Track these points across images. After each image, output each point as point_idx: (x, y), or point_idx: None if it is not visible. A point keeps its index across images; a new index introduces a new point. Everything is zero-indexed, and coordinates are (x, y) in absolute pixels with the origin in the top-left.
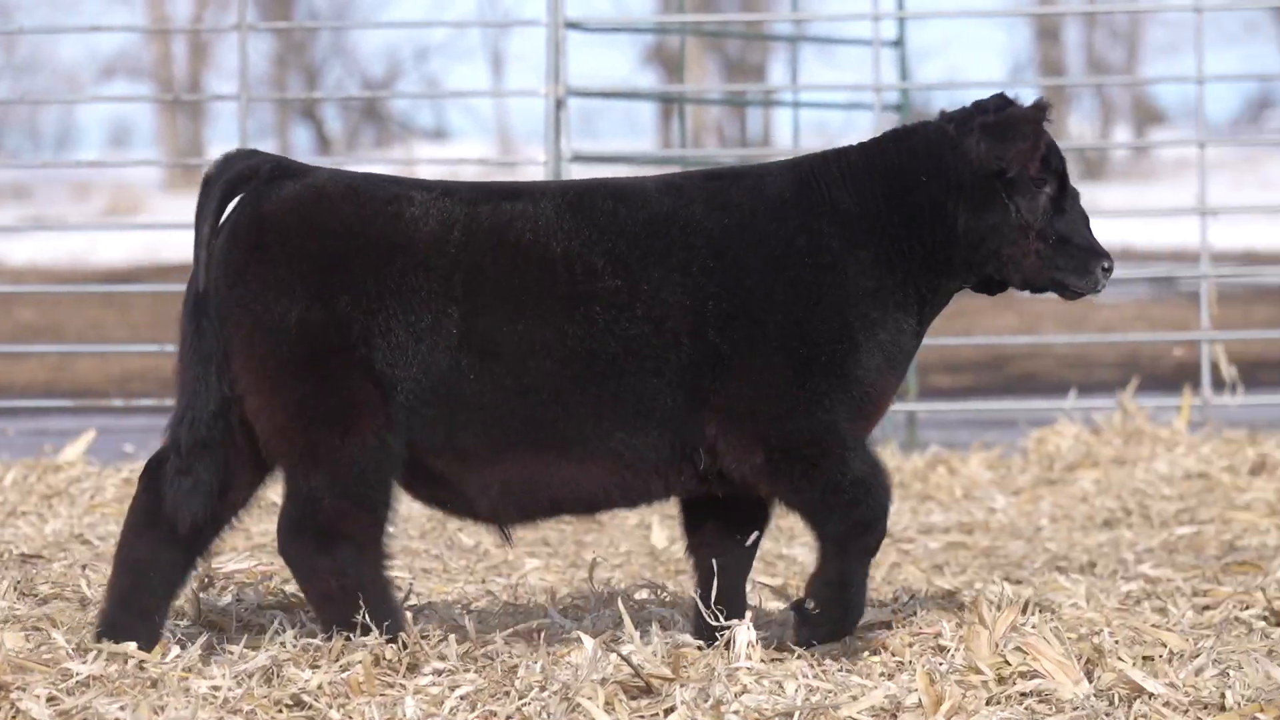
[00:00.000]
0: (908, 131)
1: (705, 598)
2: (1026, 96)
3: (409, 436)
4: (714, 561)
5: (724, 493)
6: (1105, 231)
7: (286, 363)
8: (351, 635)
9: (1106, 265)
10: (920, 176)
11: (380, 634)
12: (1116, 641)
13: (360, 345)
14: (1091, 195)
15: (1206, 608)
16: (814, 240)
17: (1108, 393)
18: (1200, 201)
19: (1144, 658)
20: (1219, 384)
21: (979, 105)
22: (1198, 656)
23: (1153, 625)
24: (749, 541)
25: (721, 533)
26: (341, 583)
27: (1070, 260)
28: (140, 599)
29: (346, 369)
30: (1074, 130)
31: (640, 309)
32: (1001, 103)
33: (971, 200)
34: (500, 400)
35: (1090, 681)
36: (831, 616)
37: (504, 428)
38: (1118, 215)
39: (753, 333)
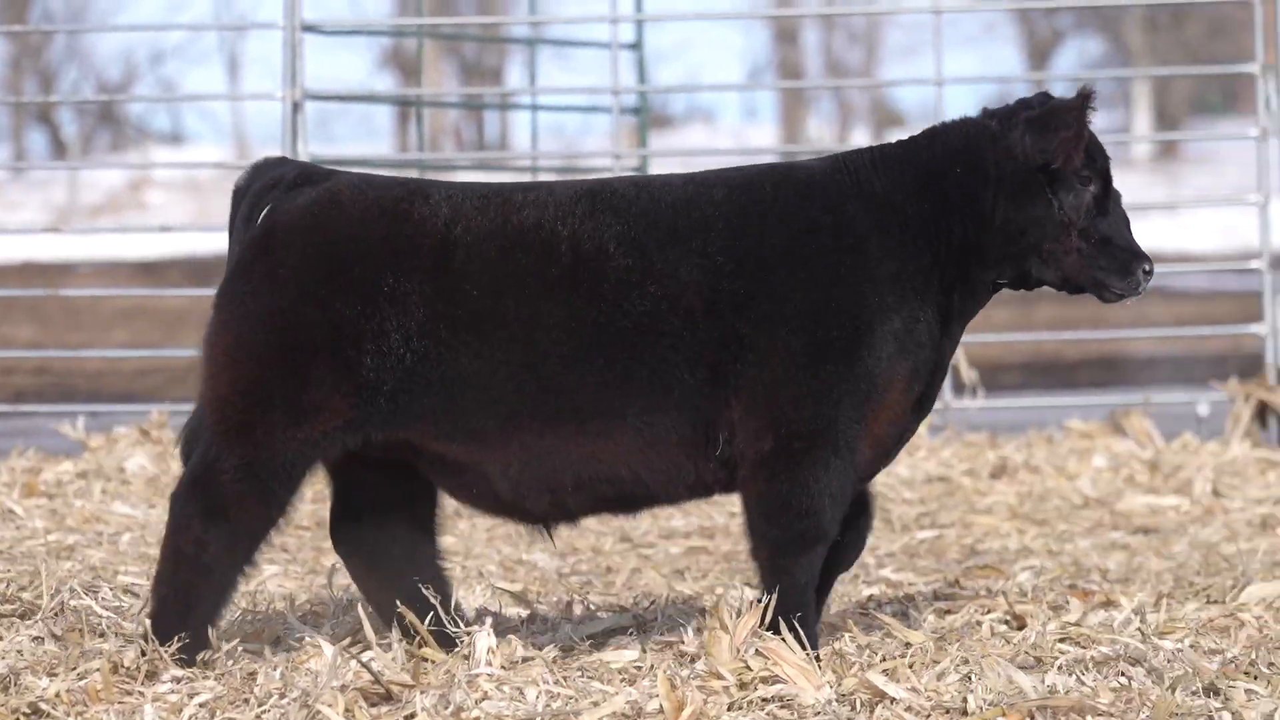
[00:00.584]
0: (945, 127)
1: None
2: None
3: (407, 434)
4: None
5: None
6: None
7: (256, 346)
8: (165, 597)
9: (1147, 268)
10: (955, 169)
11: (169, 624)
12: (859, 646)
13: (349, 348)
14: None
15: (948, 612)
16: (839, 220)
17: None
18: None
19: (885, 661)
20: (960, 387)
21: (1023, 102)
22: (940, 661)
23: (894, 630)
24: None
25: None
26: (198, 554)
27: (1112, 261)
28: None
29: (320, 371)
30: (813, 133)
31: (652, 286)
32: (1045, 98)
33: (1013, 193)
34: (506, 375)
35: (832, 687)
36: (783, 620)
37: (512, 402)
38: None
39: (772, 312)
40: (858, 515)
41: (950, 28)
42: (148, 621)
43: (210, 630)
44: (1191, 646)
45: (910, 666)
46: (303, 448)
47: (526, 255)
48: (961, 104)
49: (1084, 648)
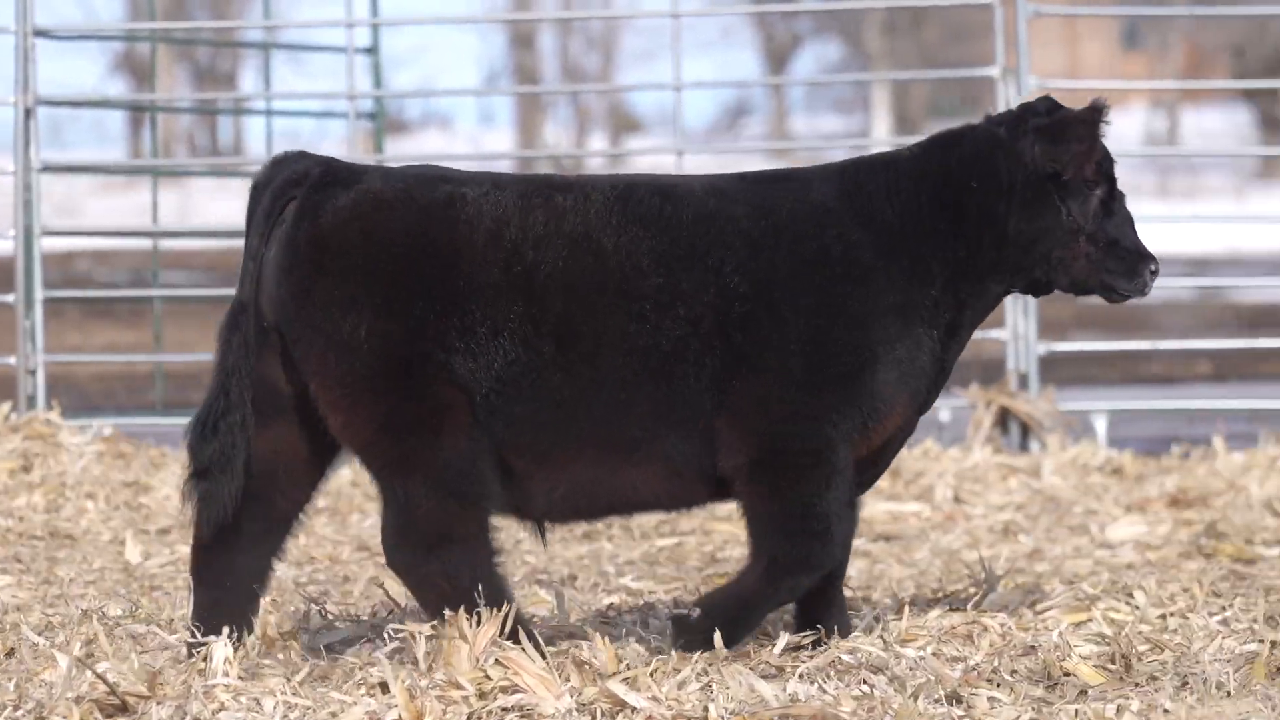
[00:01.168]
0: (956, 136)
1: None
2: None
3: (494, 437)
4: None
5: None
6: None
7: (364, 378)
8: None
9: (1154, 268)
10: (970, 181)
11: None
12: (601, 655)
13: (437, 350)
14: None
15: None
16: (848, 249)
17: None
18: None
19: (627, 669)
20: None
21: (1028, 108)
22: (681, 670)
23: (639, 639)
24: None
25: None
26: (453, 585)
27: (1120, 263)
28: (224, 612)
29: (426, 375)
30: (550, 139)
31: (681, 309)
32: (1051, 105)
33: (1024, 203)
34: (578, 395)
35: (573, 696)
36: (718, 627)
37: (580, 426)
38: None
39: (774, 334)
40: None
41: (688, 32)
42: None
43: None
44: (934, 654)
45: (651, 675)
46: (459, 451)
47: (582, 266)
48: (700, 108)
49: (825, 655)
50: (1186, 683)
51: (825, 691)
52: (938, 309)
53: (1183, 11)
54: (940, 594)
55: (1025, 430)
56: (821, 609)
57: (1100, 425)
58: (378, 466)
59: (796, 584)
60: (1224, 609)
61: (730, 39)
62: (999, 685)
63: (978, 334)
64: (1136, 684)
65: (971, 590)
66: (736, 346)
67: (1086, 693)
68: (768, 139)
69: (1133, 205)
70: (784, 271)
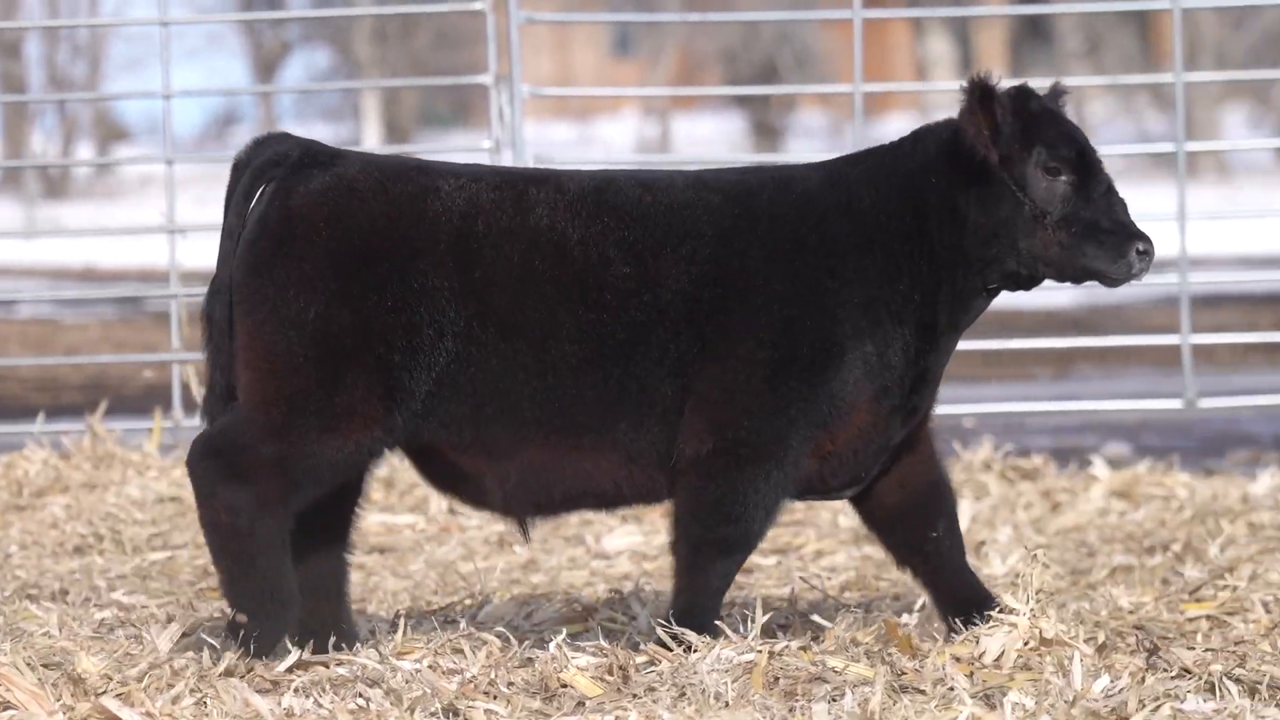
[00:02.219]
0: (926, 131)
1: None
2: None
3: (430, 438)
4: (929, 566)
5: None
6: (68, 252)
7: (292, 356)
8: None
9: (1142, 247)
10: (932, 176)
11: (255, 583)
12: (97, 670)
13: (379, 346)
14: (54, 214)
15: (183, 634)
16: (824, 240)
17: (77, 416)
18: (169, 219)
19: (121, 684)
20: (190, 406)
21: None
22: (175, 684)
23: (130, 651)
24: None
25: (917, 538)
26: (233, 520)
27: (1099, 247)
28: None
29: (354, 373)
30: (36, 148)
31: (647, 295)
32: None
33: (980, 196)
34: (522, 386)
35: (65, 712)
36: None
37: (525, 416)
38: (82, 234)
39: (743, 321)
40: (938, 509)
41: (176, 40)
42: (232, 610)
43: (285, 588)
44: (430, 666)
45: (144, 690)
46: (336, 455)
47: (543, 258)
48: (189, 117)
49: (321, 669)
50: (685, 693)
51: (321, 705)
52: (907, 305)
53: (674, 18)
54: (436, 606)
55: None
56: None
57: None
58: (254, 418)
59: (717, 566)
60: (723, 617)
61: (219, 47)
62: (496, 698)
63: None
64: (634, 695)
65: (468, 602)
66: (704, 335)
67: (584, 704)
68: None
69: None
70: (758, 257)
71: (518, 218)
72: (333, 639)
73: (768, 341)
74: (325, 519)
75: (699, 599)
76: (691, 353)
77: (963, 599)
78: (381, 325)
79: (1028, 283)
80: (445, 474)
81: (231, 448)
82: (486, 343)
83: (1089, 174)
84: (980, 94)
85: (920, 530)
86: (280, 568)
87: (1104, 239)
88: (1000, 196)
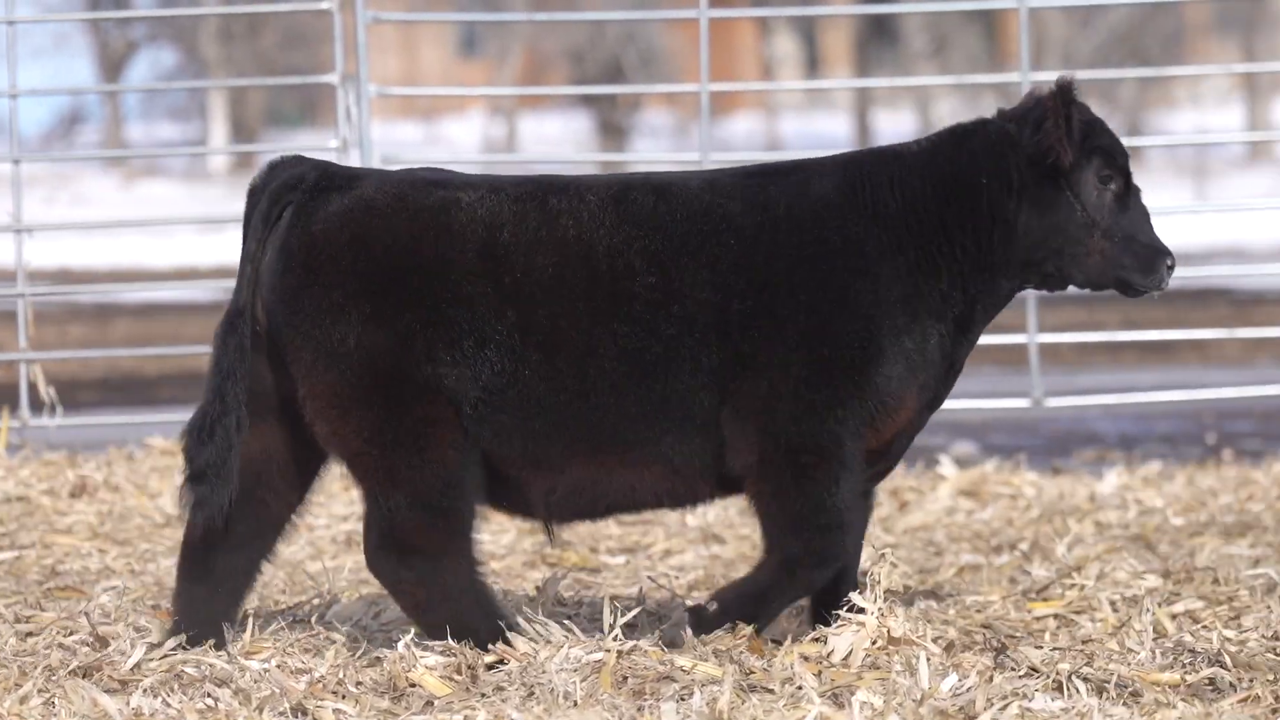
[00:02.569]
0: (967, 132)
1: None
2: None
3: (486, 447)
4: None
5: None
6: None
7: (352, 389)
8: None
9: (1170, 263)
10: (980, 177)
11: (481, 638)
12: None
13: (425, 362)
14: None
15: (30, 634)
16: (849, 242)
17: None
18: (15, 219)
19: None
20: (37, 405)
21: (1038, 100)
22: (23, 685)
23: None
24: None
25: None
26: (429, 591)
27: (1135, 258)
28: (210, 609)
29: (414, 388)
30: None
31: (676, 307)
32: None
33: (1034, 198)
34: (566, 401)
35: None
36: (733, 619)
37: (571, 431)
38: None
39: (774, 331)
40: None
41: (22, 39)
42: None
43: (503, 622)
44: (279, 666)
45: None
46: (444, 465)
47: (574, 271)
48: (35, 116)
49: (170, 669)
50: (533, 693)
51: (169, 705)
52: (946, 302)
53: (520, 18)
54: (284, 606)
55: None
56: (833, 605)
57: None
58: (362, 475)
59: (811, 579)
60: (570, 617)
61: (64, 46)
62: (345, 697)
63: None
64: (483, 694)
65: (316, 602)
66: (735, 344)
67: (433, 703)
68: (103, 147)
69: None
70: (781, 266)
71: (544, 228)
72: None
73: (804, 346)
74: (255, 519)
75: (771, 597)
76: (728, 362)
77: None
78: (422, 340)
79: (1057, 285)
80: (490, 484)
81: (383, 529)
82: (526, 353)
83: (1129, 185)
84: (1068, 97)
85: None
86: (484, 602)
87: (1140, 251)
88: (1055, 201)
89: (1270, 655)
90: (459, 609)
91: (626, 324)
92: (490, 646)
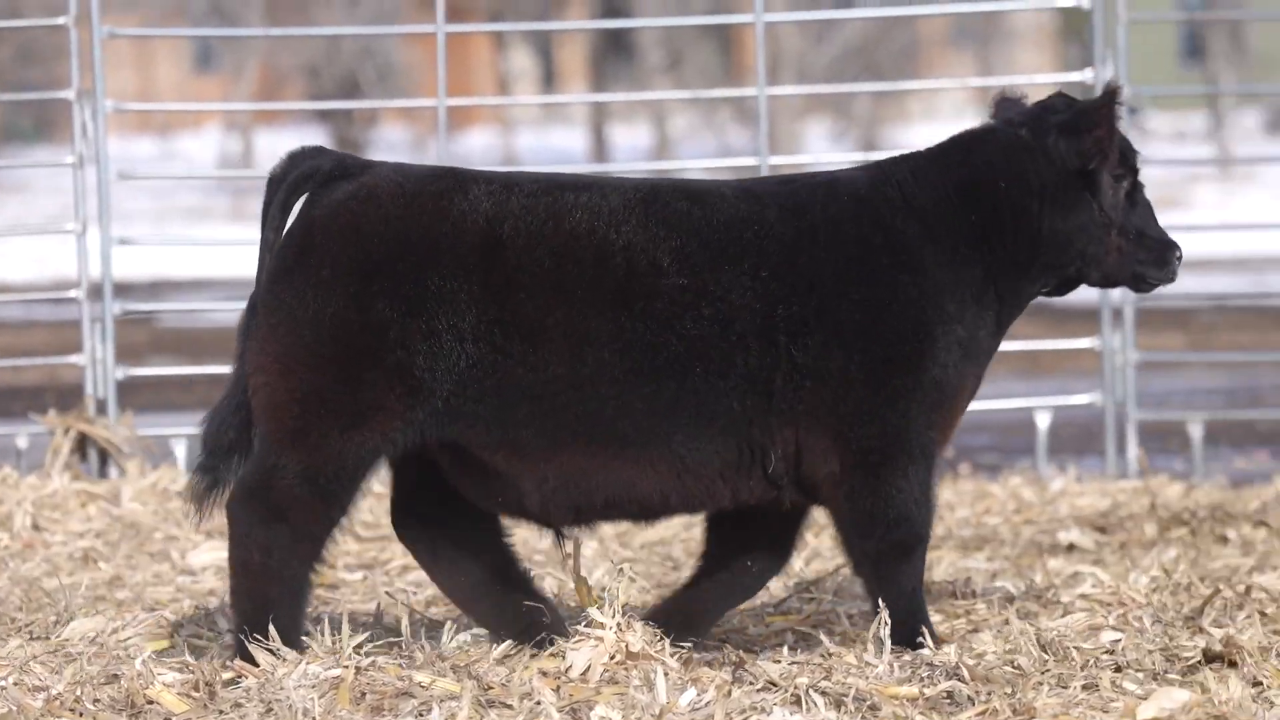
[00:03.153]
0: (978, 138)
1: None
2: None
3: (457, 436)
4: (725, 581)
5: (793, 500)
6: None
7: (307, 353)
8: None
9: (1179, 255)
10: (1000, 183)
11: (263, 631)
12: None
13: (397, 349)
14: None
15: None
16: (890, 237)
17: None
18: None
19: None
20: None
21: (1046, 106)
22: None
23: None
24: (755, 570)
25: (736, 551)
26: (265, 561)
27: (1149, 253)
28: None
29: (372, 372)
30: None
31: (707, 309)
32: (1066, 102)
33: (1057, 202)
34: (554, 391)
35: None
36: (910, 637)
37: (559, 420)
38: None
39: (829, 336)
40: (776, 548)
41: None
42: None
43: (296, 632)
44: (15, 684)
45: None
46: (361, 450)
47: (577, 265)
48: None
49: None
50: (271, 709)
51: None
52: (987, 292)
53: (255, 33)
54: (21, 623)
55: (105, 456)
56: None
57: (180, 450)
58: (269, 429)
59: (903, 571)
60: (306, 633)
61: None
62: (82, 715)
63: (53, 359)
64: (221, 711)
65: (53, 619)
66: (785, 350)
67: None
68: None
69: (212, 229)
70: (828, 268)
71: (550, 222)
72: (534, 627)
73: (858, 349)
74: (468, 520)
75: (901, 604)
76: (773, 368)
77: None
78: (399, 327)
79: (1072, 287)
80: (481, 476)
81: (262, 480)
82: (511, 344)
83: (1136, 180)
84: (1118, 104)
85: (742, 551)
86: (296, 616)
87: (1152, 245)
88: (1076, 203)
89: (1008, 669)
90: (272, 595)
91: (636, 319)
92: (266, 644)
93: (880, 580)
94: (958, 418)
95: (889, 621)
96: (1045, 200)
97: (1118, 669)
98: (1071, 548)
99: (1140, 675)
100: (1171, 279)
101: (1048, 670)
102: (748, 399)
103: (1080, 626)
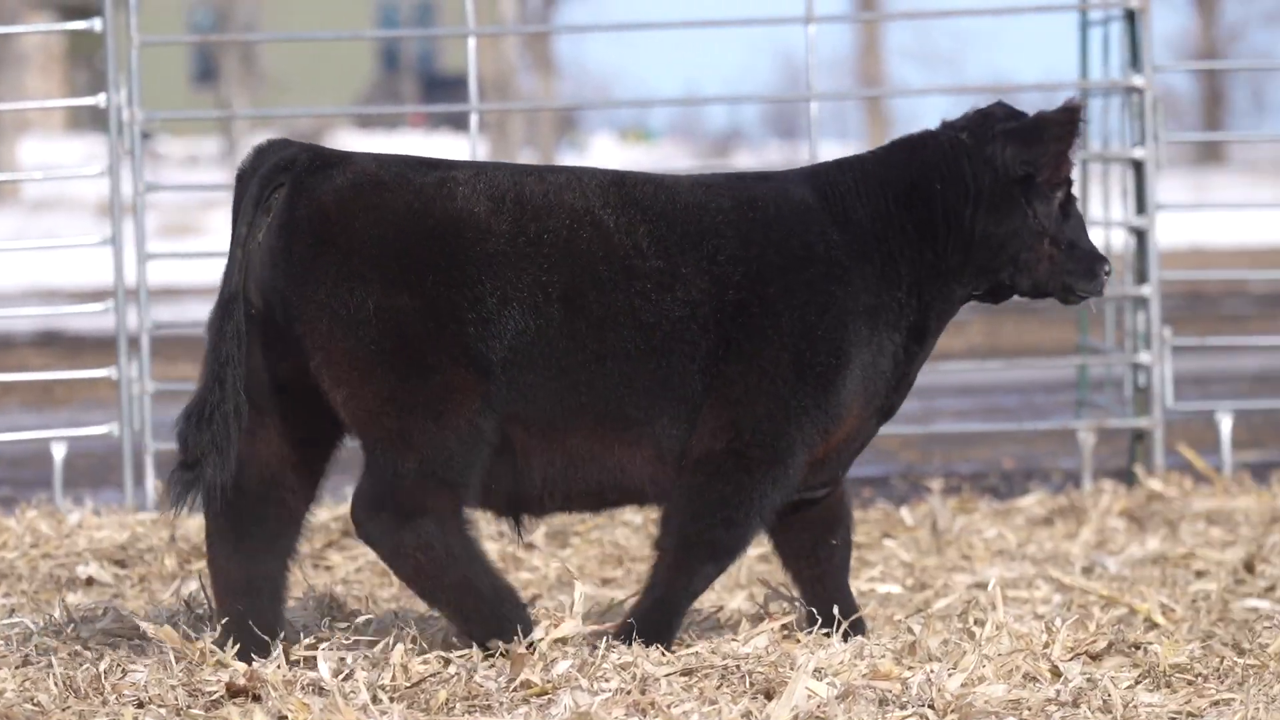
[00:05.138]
0: (918, 141)
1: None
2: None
3: (509, 409)
4: (815, 571)
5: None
6: None
7: (372, 353)
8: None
9: (1108, 269)
10: (935, 184)
11: (488, 601)
12: None
13: (451, 323)
14: None
15: None
16: (829, 249)
17: None
18: None
19: None
20: None
21: (988, 114)
22: None
23: None
24: (839, 542)
25: (813, 542)
26: (430, 555)
27: (1079, 264)
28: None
29: (437, 352)
30: None
31: (680, 292)
32: (1010, 110)
33: (991, 206)
34: (585, 362)
35: None
36: (648, 632)
37: (584, 395)
38: None
39: (765, 325)
40: (840, 521)
41: None
42: (471, 634)
43: (511, 590)
44: None
45: None
46: (461, 434)
47: (589, 240)
48: None
49: None
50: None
51: None
52: (903, 312)
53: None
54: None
55: None
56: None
57: None
58: (374, 439)
59: (705, 571)
60: None
61: None
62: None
63: None
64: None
65: None
66: (725, 333)
67: None
68: None
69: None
70: (776, 266)
71: (549, 194)
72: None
73: (787, 348)
74: (267, 520)
75: (671, 598)
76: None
77: (836, 608)
78: (446, 300)
79: (1005, 294)
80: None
81: (385, 491)
82: (549, 312)
83: (1070, 192)
84: (1079, 118)
85: (817, 539)
86: (491, 570)
87: (1082, 257)
88: (1011, 208)
89: (28, 705)
90: (467, 572)
91: (637, 297)
92: (499, 610)
93: (674, 567)
94: (836, 441)
95: (639, 609)
96: (980, 204)
97: (140, 704)
98: (91, 581)
99: (164, 711)
100: (1099, 292)
101: (68, 708)
102: (704, 380)
103: (108, 664)
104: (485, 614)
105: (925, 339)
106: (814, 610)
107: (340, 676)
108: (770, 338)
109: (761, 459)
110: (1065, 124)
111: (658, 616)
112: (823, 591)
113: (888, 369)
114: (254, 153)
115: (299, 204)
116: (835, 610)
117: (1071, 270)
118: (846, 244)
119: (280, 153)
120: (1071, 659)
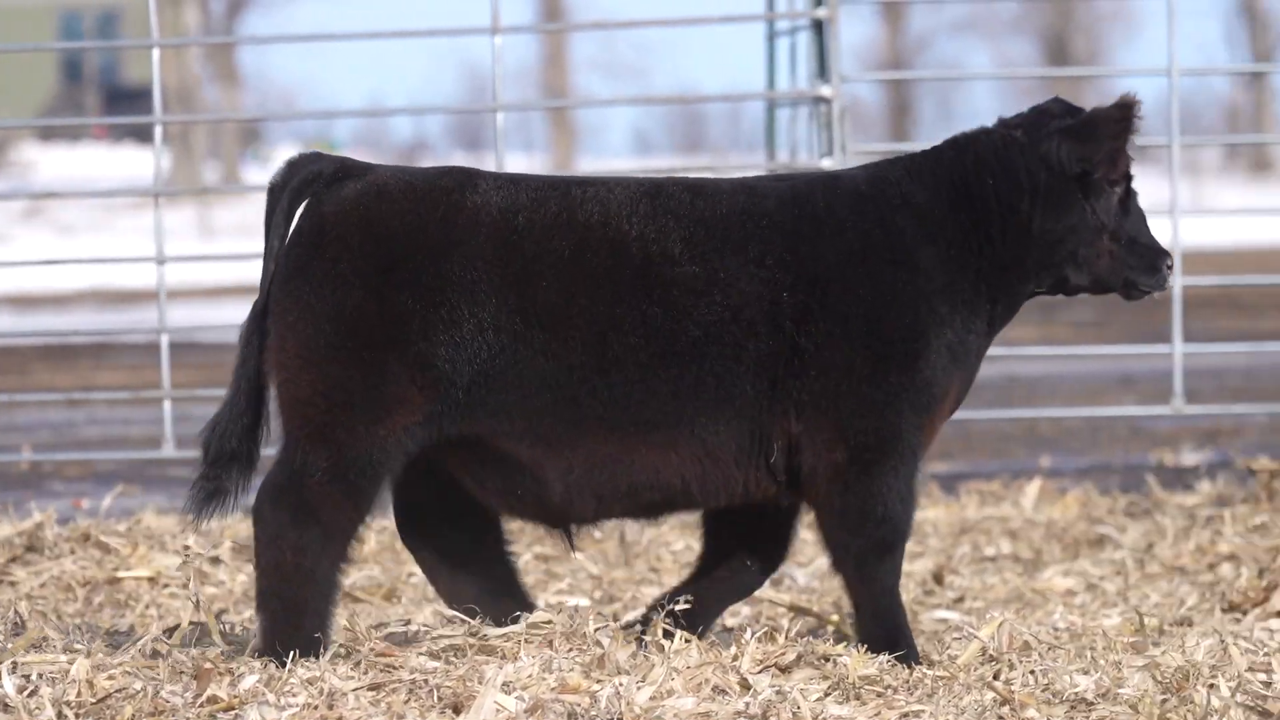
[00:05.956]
0: (969, 139)
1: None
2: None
3: (479, 428)
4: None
5: (782, 497)
6: None
7: (328, 346)
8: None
9: (1170, 263)
10: (987, 180)
11: (302, 630)
12: None
13: (419, 340)
14: None
15: None
16: (889, 234)
17: None
18: None
19: None
20: None
21: (1043, 110)
22: None
23: None
24: (753, 569)
25: (734, 552)
26: (298, 562)
27: (1140, 259)
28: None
29: (394, 364)
30: None
31: (718, 296)
32: (1067, 107)
33: (1049, 203)
34: (579, 379)
35: None
36: (891, 645)
37: (584, 407)
38: None
39: (832, 327)
40: (774, 546)
41: None
42: (264, 650)
43: (325, 635)
44: None
45: None
46: (385, 445)
47: (595, 254)
48: None
49: None
50: None
51: None
52: (978, 296)
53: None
54: None
55: None
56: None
57: None
58: (295, 429)
59: (885, 569)
60: None
61: None
62: None
63: None
64: None
65: None
66: (791, 339)
67: None
68: None
69: None
70: (832, 261)
71: (565, 212)
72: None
73: (860, 343)
74: (475, 524)
75: (879, 609)
76: (780, 355)
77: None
78: (420, 318)
79: (1069, 290)
80: (501, 471)
81: (291, 480)
82: (532, 332)
83: (1130, 187)
84: (1134, 115)
85: (739, 552)
86: (328, 615)
87: (1144, 252)
88: (1069, 205)
89: None
90: (309, 598)
91: (655, 305)
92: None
93: (862, 578)
94: (941, 421)
95: (865, 622)
96: (1036, 200)
97: None
98: None
99: None
100: (1163, 287)
101: None
102: (758, 383)
103: None
104: (290, 641)
105: (993, 331)
106: (700, 609)
107: (25, 693)
108: (839, 337)
109: (875, 458)
110: (1120, 120)
111: (881, 631)
112: (709, 600)
113: (975, 352)
114: (285, 166)
115: (309, 212)
116: (699, 625)
117: (1133, 265)
118: (909, 227)
119: (310, 166)
120: (761, 671)
